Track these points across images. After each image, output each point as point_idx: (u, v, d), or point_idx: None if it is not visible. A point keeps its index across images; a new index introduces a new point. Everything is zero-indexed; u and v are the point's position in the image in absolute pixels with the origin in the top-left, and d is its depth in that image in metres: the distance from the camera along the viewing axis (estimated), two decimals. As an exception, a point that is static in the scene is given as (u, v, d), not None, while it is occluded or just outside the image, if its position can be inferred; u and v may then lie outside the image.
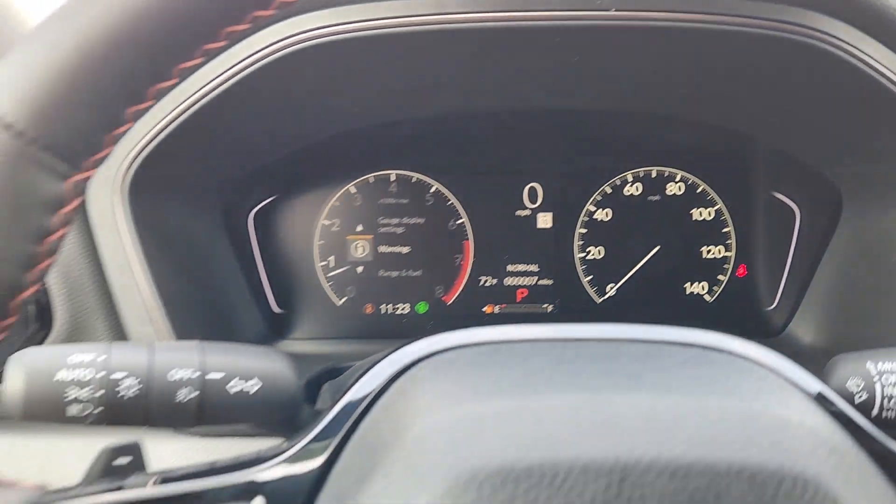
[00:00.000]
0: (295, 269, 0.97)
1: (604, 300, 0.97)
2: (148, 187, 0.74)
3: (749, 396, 0.40)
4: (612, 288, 0.97)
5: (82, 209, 0.73)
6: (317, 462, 0.43)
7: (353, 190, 0.97)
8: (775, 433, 0.36)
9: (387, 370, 0.47)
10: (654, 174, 0.97)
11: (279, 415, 0.61)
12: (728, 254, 0.97)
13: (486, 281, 0.97)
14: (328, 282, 0.97)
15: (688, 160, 0.96)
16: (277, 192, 0.96)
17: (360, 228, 0.98)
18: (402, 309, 0.97)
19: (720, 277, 0.97)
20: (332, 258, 0.97)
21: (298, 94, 0.79)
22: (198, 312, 0.80)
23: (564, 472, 0.35)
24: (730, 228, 0.97)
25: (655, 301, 0.96)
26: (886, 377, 0.59)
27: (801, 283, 0.93)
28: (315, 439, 0.45)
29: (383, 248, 0.98)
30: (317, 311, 0.97)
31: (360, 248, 0.98)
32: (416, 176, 0.97)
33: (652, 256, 0.96)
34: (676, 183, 0.97)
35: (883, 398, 0.59)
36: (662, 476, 0.34)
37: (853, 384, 0.61)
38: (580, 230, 0.97)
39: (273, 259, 0.96)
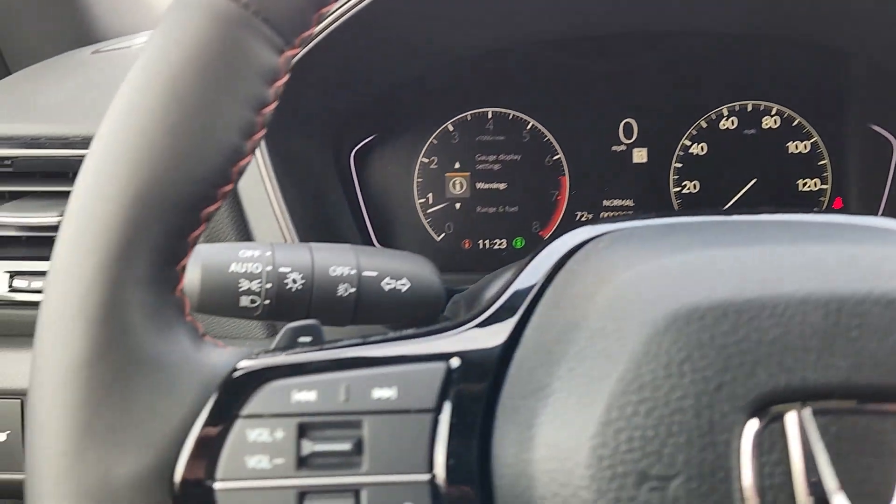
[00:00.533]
0: (395, 207, 1.00)
1: (698, 234, 0.98)
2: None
3: None
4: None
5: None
6: (501, 337, 0.42)
7: (450, 128, 0.99)
8: None
9: (552, 256, 0.47)
10: (749, 108, 0.98)
11: (426, 314, 0.64)
12: (824, 187, 0.98)
13: (582, 216, 0.98)
14: (427, 218, 1.00)
15: (784, 93, 0.97)
16: (377, 130, 0.98)
17: (457, 166, 1.00)
18: (500, 244, 1.00)
19: (816, 210, 0.98)
20: (430, 195, 1.00)
21: (404, 24, 0.81)
22: (316, 238, 0.83)
23: (784, 303, 0.36)
24: (826, 161, 0.98)
25: (751, 234, 0.97)
26: None
27: (898, 214, 0.93)
28: (488, 321, 0.44)
29: (481, 185, 1.00)
30: (416, 247, 0.99)
31: (458, 184, 1.00)
32: (512, 113, 0.99)
33: (748, 190, 0.97)
34: (772, 116, 0.98)
35: None
36: (878, 305, 0.36)
37: None
38: (675, 165, 0.99)
39: (373, 197, 0.99)
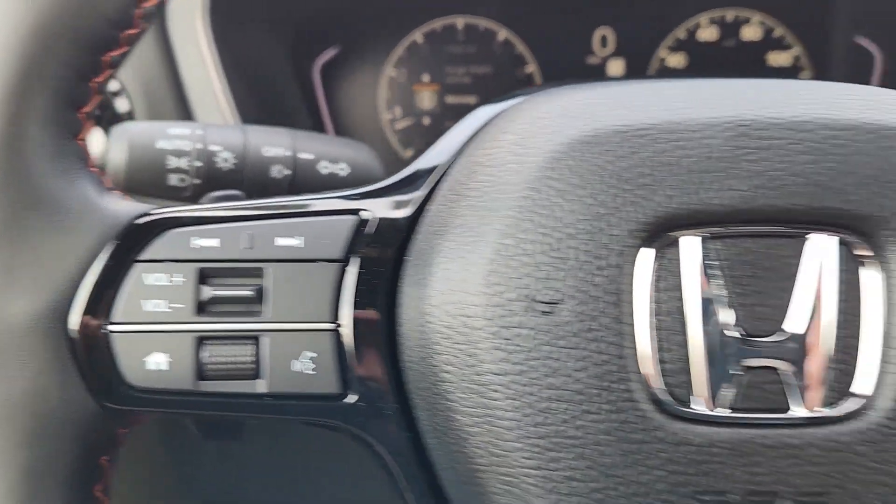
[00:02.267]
0: (361, 122, 0.97)
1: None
2: (226, 11, 0.75)
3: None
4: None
5: (162, 26, 0.74)
6: (416, 196, 0.41)
7: (419, 39, 0.96)
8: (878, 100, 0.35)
9: (464, 129, 0.45)
10: (730, 17, 0.94)
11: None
12: (805, 100, 0.94)
13: (554, 131, 0.96)
14: (395, 135, 0.97)
15: (767, 2, 0.93)
16: (342, 40, 0.95)
17: (426, 79, 0.97)
18: (470, 160, 0.97)
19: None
20: (397, 109, 0.97)
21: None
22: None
23: (685, 127, 0.34)
24: (808, 73, 0.94)
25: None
26: None
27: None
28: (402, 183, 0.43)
29: (451, 99, 0.97)
30: (384, 164, 0.97)
31: (427, 98, 0.97)
32: (483, 23, 0.96)
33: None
34: (753, 26, 0.94)
35: None
36: (782, 129, 0.33)
37: None
38: (652, 76, 0.95)
39: (340, 112, 0.96)
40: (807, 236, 0.33)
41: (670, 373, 0.33)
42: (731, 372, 0.33)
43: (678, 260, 0.33)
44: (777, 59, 0.94)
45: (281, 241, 0.39)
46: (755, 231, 0.33)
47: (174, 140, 0.55)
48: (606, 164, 0.33)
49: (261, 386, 0.38)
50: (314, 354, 0.38)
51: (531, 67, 0.96)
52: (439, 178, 0.41)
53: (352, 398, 0.38)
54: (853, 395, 0.33)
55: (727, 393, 0.33)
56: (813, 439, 0.32)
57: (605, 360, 0.32)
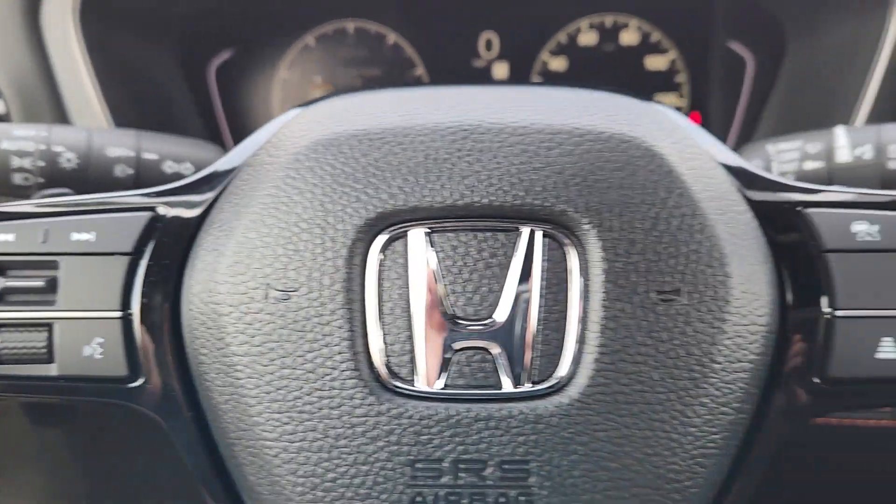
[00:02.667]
0: (257, 124, 1.00)
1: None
2: (98, 14, 0.77)
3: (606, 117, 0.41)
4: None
5: (36, 29, 0.76)
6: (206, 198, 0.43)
7: (311, 41, 0.99)
8: (611, 108, 0.39)
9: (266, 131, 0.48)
10: (609, 22, 0.98)
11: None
12: (681, 103, 0.99)
13: (443, 131, 0.99)
14: (290, 134, 1.00)
15: (644, 8, 0.97)
16: (235, 43, 0.98)
17: (318, 80, 1.00)
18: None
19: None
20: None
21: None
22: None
23: (415, 132, 0.38)
24: (683, 77, 0.98)
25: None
26: (782, 155, 0.61)
27: (751, 131, 0.94)
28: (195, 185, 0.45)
29: (343, 100, 1.00)
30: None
31: (320, 99, 1.00)
32: (373, 27, 0.99)
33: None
34: (631, 31, 0.98)
35: (779, 175, 0.61)
36: (501, 133, 0.37)
37: (754, 166, 0.63)
38: (535, 80, 0.99)
39: (235, 114, 0.99)
40: (518, 230, 0.37)
41: (394, 353, 0.36)
42: (446, 355, 0.36)
43: (404, 251, 0.36)
44: (654, 62, 0.99)
45: (76, 236, 0.41)
46: (472, 226, 0.37)
47: (18, 141, 0.57)
48: (341, 165, 0.37)
49: (53, 370, 0.40)
50: (102, 340, 0.40)
51: (419, 70, 0.99)
52: (231, 178, 0.44)
53: (140, 380, 0.41)
54: (555, 373, 0.36)
55: (445, 372, 0.36)
56: (517, 412, 0.36)
57: (334, 342, 0.36)
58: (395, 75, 0.99)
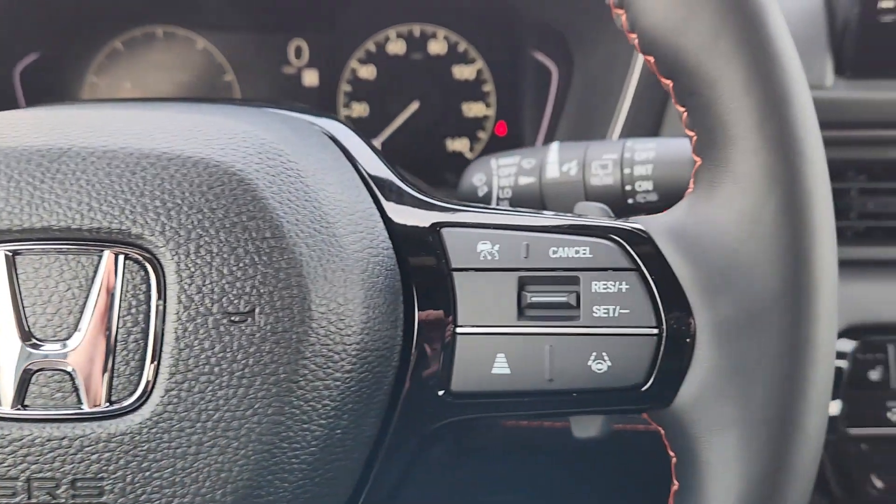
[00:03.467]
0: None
1: (372, 157, 1.01)
2: None
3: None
4: (376, 143, 1.01)
5: None
6: None
7: (119, 46, 0.98)
8: (213, 132, 0.40)
9: None
10: (417, 32, 1.00)
11: None
12: (489, 112, 1.01)
13: (254, 137, 0.99)
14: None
15: (451, 18, 0.99)
16: (41, 46, 0.96)
17: (128, 86, 0.99)
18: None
19: (480, 135, 1.01)
20: (101, 115, 0.99)
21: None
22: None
23: (18, 154, 0.38)
24: (490, 87, 1.01)
25: (418, 157, 1.00)
26: (502, 170, 0.64)
27: (554, 139, 0.97)
28: None
29: (152, 105, 0.99)
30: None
31: (130, 104, 0.99)
32: (182, 32, 0.99)
33: (413, 114, 1.00)
34: (439, 41, 1.00)
35: (498, 189, 0.64)
36: (90, 156, 0.38)
37: (477, 180, 0.66)
38: (345, 88, 1.00)
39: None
40: (101, 253, 0.37)
41: None
42: (24, 376, 0.37)
43: None
44: (462, 72, 1.01)
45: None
46: (56, 248, 0.37)
47: None
48: None
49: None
50: None
51: (230, 76, 0.99)
52: None
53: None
54: (134, 393, 0.37)
55: (22, 393, 0.37)
56: (90, 431, 0.37)
57: None
58: (205, 81, 0.99)
